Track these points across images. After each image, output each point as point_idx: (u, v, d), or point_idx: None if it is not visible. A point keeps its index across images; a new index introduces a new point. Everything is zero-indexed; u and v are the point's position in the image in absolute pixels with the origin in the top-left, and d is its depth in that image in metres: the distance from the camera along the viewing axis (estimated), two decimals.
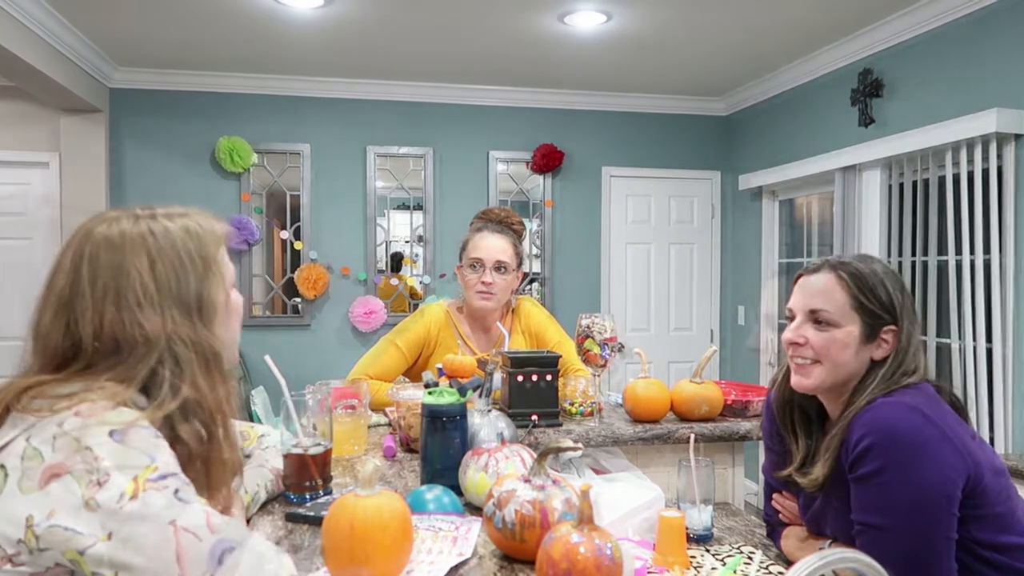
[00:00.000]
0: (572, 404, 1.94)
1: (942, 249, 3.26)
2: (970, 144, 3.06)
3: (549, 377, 1.79)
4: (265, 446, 1.41)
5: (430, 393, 1.45)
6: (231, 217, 4.47)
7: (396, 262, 4.84)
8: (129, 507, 0.79)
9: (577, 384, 1.98)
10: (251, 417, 1.95)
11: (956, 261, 3.14)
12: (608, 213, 5.01)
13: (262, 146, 4.57)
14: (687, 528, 1.28)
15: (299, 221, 4.63)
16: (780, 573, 1.22)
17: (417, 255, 4.84)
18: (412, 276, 4.84)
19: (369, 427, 1.85)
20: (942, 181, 3.24)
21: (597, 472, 1.64)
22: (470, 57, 4.15)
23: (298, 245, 4.64)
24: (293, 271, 4.63)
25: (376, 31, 3.71)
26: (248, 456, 1.36)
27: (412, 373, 2.24)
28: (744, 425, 1.87)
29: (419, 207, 4.80)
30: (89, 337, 0.90)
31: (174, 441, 0.89)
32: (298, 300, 4.66)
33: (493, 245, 2.19)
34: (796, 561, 0.91)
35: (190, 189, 4.45)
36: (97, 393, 0.86)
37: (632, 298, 5.08)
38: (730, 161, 5.12)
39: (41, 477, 0.80)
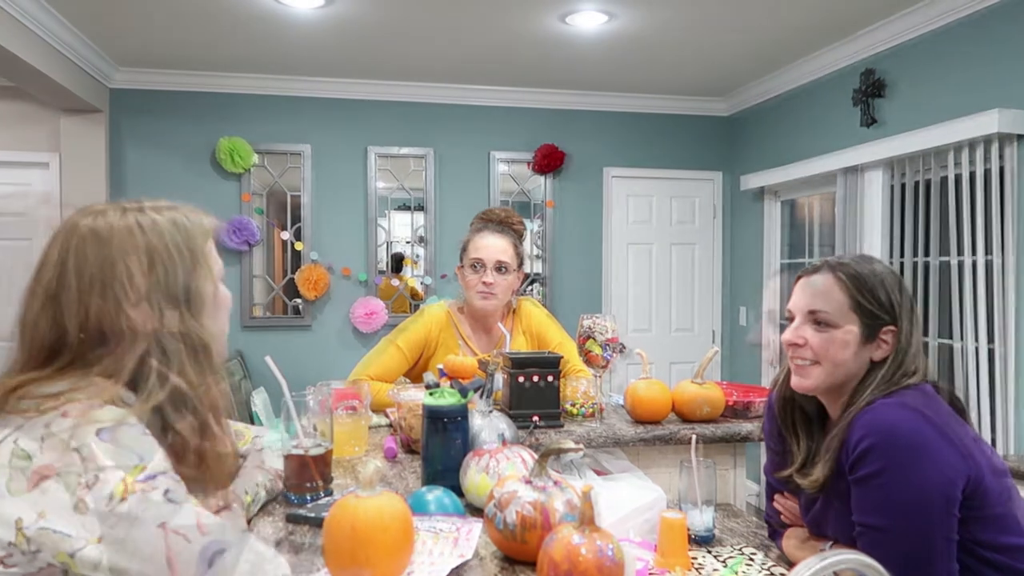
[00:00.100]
0: (573, 405, 1.94)
1: (944, 250, 3.26)
2: (972, 144, 3.05)
3: (550, 378, 1.79)
4: (260, 447, 1.41)
5: (431, 394, 1.44)
6: (232, 218, 4.47)
7: (397, 263, 4.83)
8: (119, 509, 0.79)
9: (578, 385, 1.97)
10: (252, 417, 1.95)
11: (958, 262, 3.14)
12: (609, 213, 5.00)
13: (263, 146, 4.56)
14: (688, 529, 1.28)
15: (300, 222, 4.63)
16: (782, 575, 1.22)
17: (418, 256, 4.84)
18: (413, 277, 4.84)
19: (370, 428, 1.85)
20: (944, 181, 3.24)
21: (598, 473, 1.63)
22: (471, 57, 4.14)
23: (299, 246, 4.63)
24: (294, 272, 4.63)
25: (377, 31, 3.71)
26: (243, 457, 1.35)
27: (413, 374, 2.24)
28: (746, 426, 1.87)
29: (420, 207, 4.79)
30: (75, 329, 0.90)
31: (167, 433, 0.88)
32: (299, 301, 4.66)
33: (494, 245, 2.19)
34: (797, 562, 0.91)
35: (190, 189, 4.43)
36: (84, 392, 0.86)
37: (633, 299, 5.07)
38: (732, 161, 5.12)
39: (30, 479, 0.80)
